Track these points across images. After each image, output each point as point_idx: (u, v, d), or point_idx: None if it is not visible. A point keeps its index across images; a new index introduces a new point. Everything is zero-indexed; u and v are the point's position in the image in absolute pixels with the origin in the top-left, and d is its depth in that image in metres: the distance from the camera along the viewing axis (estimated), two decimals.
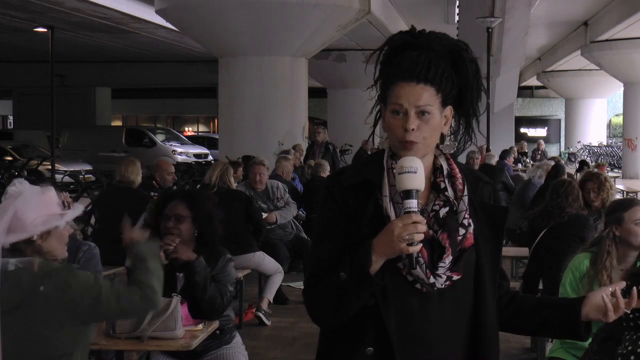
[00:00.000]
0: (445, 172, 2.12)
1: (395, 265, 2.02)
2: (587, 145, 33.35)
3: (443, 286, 2.04)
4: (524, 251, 6.99)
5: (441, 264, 2.03)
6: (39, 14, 18.94)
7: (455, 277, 2.05)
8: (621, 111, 30.96)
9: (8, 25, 21.24)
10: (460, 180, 2.11)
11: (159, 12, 14.52)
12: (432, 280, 2.02)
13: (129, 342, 3.91)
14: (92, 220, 8.59)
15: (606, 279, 3.90)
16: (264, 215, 8.08)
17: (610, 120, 42.22)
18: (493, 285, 2.16)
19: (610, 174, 18.12)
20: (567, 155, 32.59)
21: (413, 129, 2.03)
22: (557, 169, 9.98)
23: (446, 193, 2.09)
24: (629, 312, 2.11)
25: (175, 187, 9.14)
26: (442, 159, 2.13)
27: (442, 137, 2.13)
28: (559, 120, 40.38)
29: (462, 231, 2.06)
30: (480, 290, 2.11)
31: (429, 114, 2.04)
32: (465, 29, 17.82)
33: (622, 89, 28.12)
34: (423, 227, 1.95)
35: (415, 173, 1.98)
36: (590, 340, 3.67)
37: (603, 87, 33.69)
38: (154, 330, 3.86)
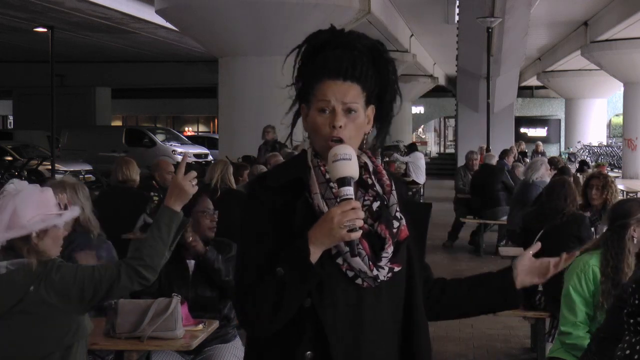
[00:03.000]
0: (370, 169, 2.10)
1: (335, 262, 1.98)
2: (587, 145, 33.29)
3: (385, 278, 2.00)
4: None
5: (384, 254, 2.01)
6: (39, 14, 18.95)
7: (396, 269, 2.03)
8: (621, 111, 30.94)
9: (8, 25, 21.25)
10: (387, 176, 2.10)
11: (159, 12, 14.53)
12: (375, 272, 1.99)
13: (129, 342, 3.91)
14: None
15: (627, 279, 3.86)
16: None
17: (610, 120, 42.22)
18: (421, 282, 2.15)
19: (610, 174, 18.05)
20: (567, 155, 32.55)
21: (341, 126, 2.01)
22: (562, 171, 10.12)
23: (375, 188, 2.07)
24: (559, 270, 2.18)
25: None
26: (364, 157, 2.11)
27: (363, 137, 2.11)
28: (559, 120, 40.38)
29: (396, 223, 2.05)
30: (412, 286, 2.10)
31: (355, 112, 2.03)
32: (465, 29, 17.82)
33: (622, 89, 28.09)
34: (362, 213, 1.94)
35: (350, 160, 1.96)
36: (589, 341, 3.67)
37: (603, 87, 33.66)
38: (154, 330, 3.86)
